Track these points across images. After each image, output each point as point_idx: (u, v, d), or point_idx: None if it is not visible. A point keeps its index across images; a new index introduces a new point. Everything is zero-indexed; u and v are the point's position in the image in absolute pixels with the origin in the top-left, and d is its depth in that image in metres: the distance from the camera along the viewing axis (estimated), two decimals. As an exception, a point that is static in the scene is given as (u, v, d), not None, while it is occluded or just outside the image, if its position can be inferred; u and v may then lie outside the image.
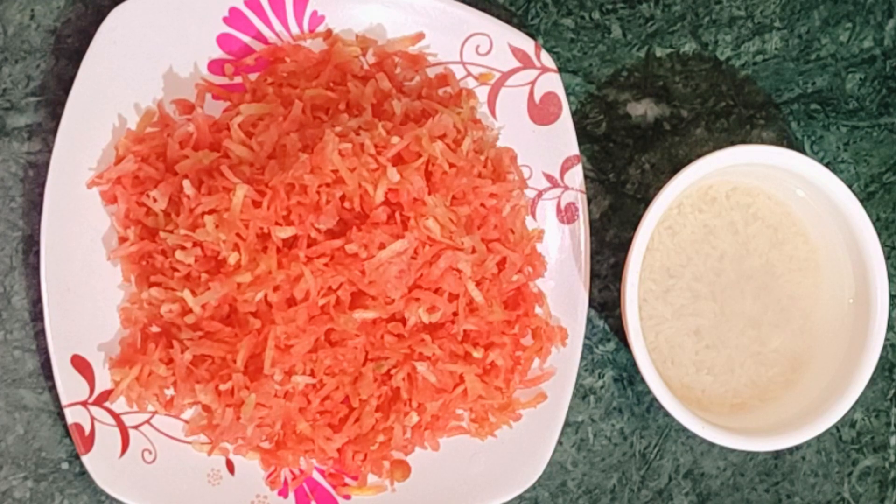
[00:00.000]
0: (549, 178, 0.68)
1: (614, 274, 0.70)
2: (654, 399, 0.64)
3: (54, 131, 0.63)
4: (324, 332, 0.62)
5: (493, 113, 0.68)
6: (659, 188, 0.64)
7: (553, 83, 0.67)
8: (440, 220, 0.62)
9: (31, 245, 0.66)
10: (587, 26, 0.70)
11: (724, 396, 0.68)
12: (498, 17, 0.67)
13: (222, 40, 0.66)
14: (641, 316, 0.65)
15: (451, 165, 0.63)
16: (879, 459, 0.71)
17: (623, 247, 0.66)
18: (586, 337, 0.67)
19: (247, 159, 0.63)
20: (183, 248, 0.62)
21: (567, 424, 0.67)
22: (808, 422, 0.65)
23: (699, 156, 0.64)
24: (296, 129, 0.63)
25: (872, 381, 0.65)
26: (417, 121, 0.65)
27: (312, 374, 0.63)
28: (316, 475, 0.66)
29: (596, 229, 0.69)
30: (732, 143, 0.66)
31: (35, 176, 0.66)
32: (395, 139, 0.62)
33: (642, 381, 0.64)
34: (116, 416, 0.64)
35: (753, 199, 0.68)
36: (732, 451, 0.65)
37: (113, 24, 0.63)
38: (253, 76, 0.66)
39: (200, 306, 0.61)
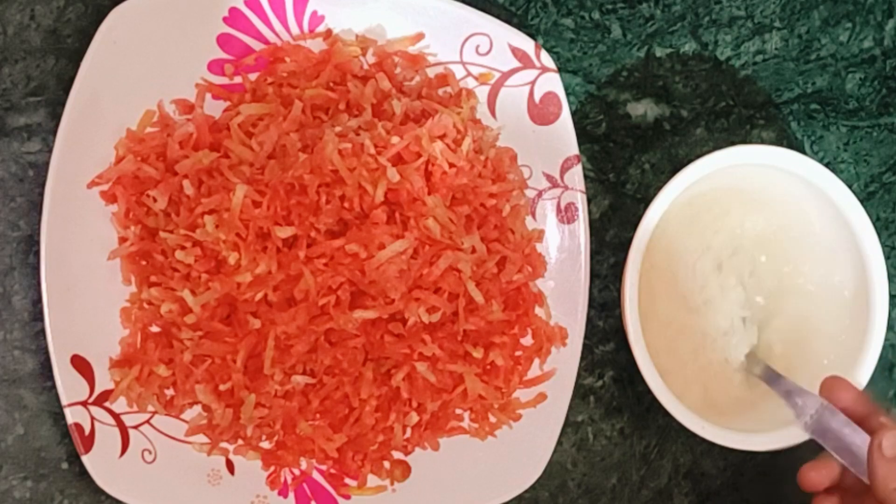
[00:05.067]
0: (549, 178, 0.68)
1: (614, 274, 0.70)
2: (654, 399, 0.64)
3: (54, 131, 0.63)
4: (324, 332, 0.62)
5: (493, 113, 0.68)
6: (659, 188, 0.64)
7: (553, 83, 0.67)
8: (440, 220, 0.62)
9: (31, 245, 0.66)
10: (587, 26, 0.70)
11: (724, 396, 0.68)
12: (498, 17, 0.67)
13: (222, 40, 0.66)
14: (641, 316, 0.64)
15: (451, 165, 0.63)
16: (879, 459, 0.71)
17: (623, 247, 0.66)
18: (586, 337, 0.67)
19: (247, 159, 0.63)
20: (183, 248, 0.62)
21: (567, 424, 0.67)
22: (808, 422, 0.65)
23: (699, 156, 0.64)
24: (296, 129, 0.63)
25: (872, 381, 0.65)
26: (417, 121, 0.65)
27: (312, 374, 0.63)
28: (316, 475, 0.66)
29: (596, 229, 0.69)
30: (732, 143, 0.66)
31: (35, 176, 0.66)
32: (395, 139, 0.62)
33: (642, 381, 0.64)
34: (116, 416, 0.64)
35: (753, 200, 0.68)
36: (732, 451, 0.65)
37: (113, 24, 0.63)
38: (253, 76, 0.66)
39: (200, 306, 0.61)
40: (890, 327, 0.69)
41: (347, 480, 0.66)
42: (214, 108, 0.66)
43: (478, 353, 0.64)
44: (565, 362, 0.67)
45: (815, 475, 0.61)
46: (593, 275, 0.68)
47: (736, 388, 0.68)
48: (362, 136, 0.62)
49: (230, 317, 0.63)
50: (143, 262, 0.64)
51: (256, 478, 0.65)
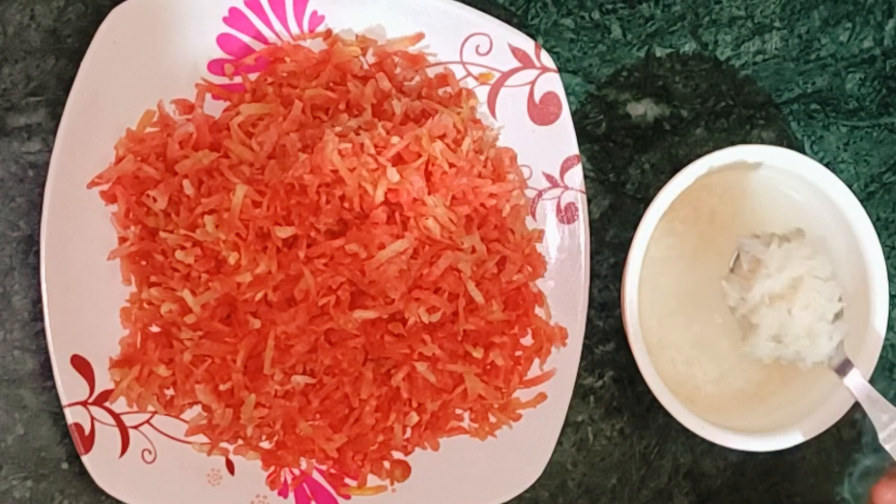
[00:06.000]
0: (549, 178, 0.68)
1: (614, 274, 0.70)
2: (654, 399, 0.64)
3: (54, 131, 0.63)
4: (324, 332, 0.62)
5: (493, 113, 0.68)
6: (659, 188, 0.64)
7: (553, 83, 0.67)
8: (440, 220, 0.62)
9: (31, 245, 0.66)
10: (587, 26, 0.70)
11: (724, 396, 0.68)
12: (498, 17, 0.67)
13: (222, 40, 0.66)
14: (641, 316, 0.64)
15: (451, 165, 0.63)
16: (879, 459, 0.71)
17: (623, 247, 0.66)
18: (586, 337, 0.67)
19: (247, 159, 0.63)
20: (183, 248, 0.62)
21: (567, 424, 0.67)
22: (808, 422, 0.65)
23: (699, 156, 0.64)
24: (296, 129, 0.63)
25: (872, 381, 0.65)
26: (417, 121, 0.65)
27: (312, 374, 0.63)
28: (316, 475, 0.66)
29: (596, 229, 0.69)
30: (732, 143, 0.66)
31: (35, 176, 0.66)
32: (395, 139, 0.62)
33: (642, 381, 0.64)
34: (116, 416, 0.64)
35: (753, 200, 0.68)
36: (732, 451, 0.65)
37: (113, 24, 0.63)
38: (253, 76, 0.66)
39: (200, 306, 0.61)
40: (890, 327, 0.69)
41: (347, 480, 0.66)
42: (214, 108, 0.66)
43: (478, 353, 0.64)
44: (565, 362, 0.67)
45: (893, 497, 0.61)
46: (593, 275, 0.68)
47: (736, 387, 0.68)
48: (362, 136, 0.62)
49: (230, 317, 0.63)
50: (143, 262, 0.64)
51: (256, 478, 0.65)
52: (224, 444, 0.65)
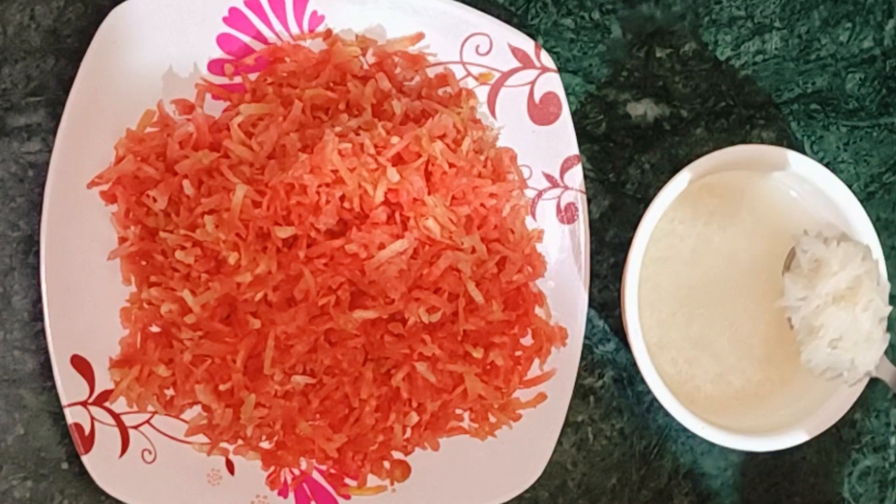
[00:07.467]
0: (549, 178, 0.68)
1: (614, 274, 0.70)
2: (654, 399, 0.64)
3: (54, 131, 0.63)
4: (323, 332, 0.62)
5: (493, 113, 0.68)
6: (659, 188, 0.64)
7: (553, 83, 0.67)
8: (440, 220, 0.62)
9: (31, 245, 0.66)
10: (587, 26, 0.70)
11: (724, 396, 0.68)
12: (498, 17, 0.67)
13: (222, 40, 0.66)
14: (641, 316, 0.65)
15: (451, 165, 0.63)
16: (879, 459, 0.71)
17: (623, 247, 0.66)
18: (586, 337, 0.67)
19: (247, 159, 0.63)
20: (183, 248, 0.62)
21: (567, 424, 0.67)
22: (808, 422, 0.65)
23: (699, 156, 0.64)
24: (296, 129, 0.63)
25: (872, 381, 0.65)
26: (417, 121, 0.65)
27: (312, 374, 0.63)
28: (316, 475, 0.66)
29: (596, 229, 0.69)
30: (732, 143, 0.66)
31: (35, 176, 0.66)
32: (395, 139, 0.62)
33: (642, 381, 0.64)
34: (116, 416, 0.64)
35: (752, 199, 0.68)
36: (732, 451, 0.65)
37: (113, 24, 0.63)
38: (253, 76, 0.66)
39: (200, 306, 0.61)
40: (890, 327, 0.69)
41: (347, 480, 0.66)
42: (214, 108, 0.66)
43: (478, 353, 0.64)
44: (565, 362, 0.67)
45: None
46: (593, 275, 0.68)
47: (736, 387, 0.68)
48: (362, 136, 0.62)
49: (230, 317, 0.63)
50: (143, 262, 0.64)
51: (256, 478, 0.65)
52: (224, 444, 0.65)
